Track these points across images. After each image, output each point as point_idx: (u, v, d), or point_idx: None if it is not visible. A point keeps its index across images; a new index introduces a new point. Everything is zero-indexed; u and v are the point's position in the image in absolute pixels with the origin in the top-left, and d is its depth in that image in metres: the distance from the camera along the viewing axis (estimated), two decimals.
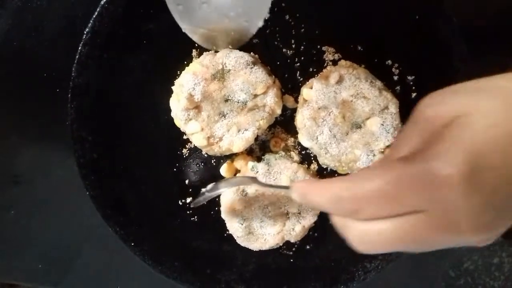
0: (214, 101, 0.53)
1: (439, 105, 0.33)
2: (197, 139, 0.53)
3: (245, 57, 0.52)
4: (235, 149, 0.54)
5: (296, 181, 0.42)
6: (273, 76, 0.54)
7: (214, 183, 0.56)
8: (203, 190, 0.56)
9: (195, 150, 0.58)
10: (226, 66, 0.52)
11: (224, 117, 0.53)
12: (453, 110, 0.32)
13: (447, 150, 0.30)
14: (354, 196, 0.32)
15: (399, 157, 0.33)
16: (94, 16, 0.52)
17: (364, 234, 0.33)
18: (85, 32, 0.52)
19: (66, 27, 0.59)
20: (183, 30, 0.52)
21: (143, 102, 0.56)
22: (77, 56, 0.53)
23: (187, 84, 0.52)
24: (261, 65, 0.53)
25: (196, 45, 0.55)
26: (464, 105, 0.31)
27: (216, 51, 0.54)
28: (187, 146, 0.58)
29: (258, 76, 0.52)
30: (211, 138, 0.53)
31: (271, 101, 0.53)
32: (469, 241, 0.31)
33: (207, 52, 0.54)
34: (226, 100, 0.53)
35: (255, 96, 0.53)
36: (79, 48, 0.53)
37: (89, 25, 0.52)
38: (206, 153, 0.57)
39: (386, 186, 0.31)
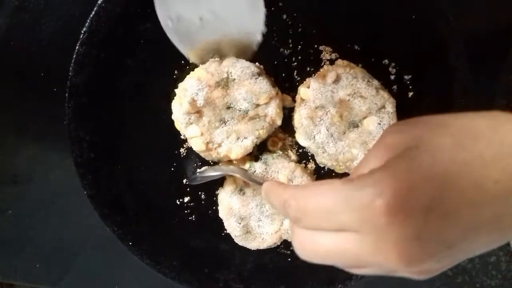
0: (216, 108, 0.53)
1: (399, 133, 0.35)
2: (196, 144, 0.54)
3: (251, 67, 0.53)
4: (233, 156, 0.54)
5: (267, 181, 0.44)
6: (277, 88, 0.55)
7: (206, 167, 0.57)
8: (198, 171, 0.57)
9: (193, 150, 0.58)
10: (231, 75, 0.53)
11: (225, 123, 0.54)
12: (407, 141, 0.34)
13: (382, 180, 0.31)
14: (298, 205, 0.35)
15: (348, 178, 0.35)
16: (91, 16, 0.52)
17: (304, 241, 0.36)
18: (82, 32, 0.52)
19: (64, 27, 0.59)
20: (186, 56, 0.54)
21: (141, 102, 0.56)
22: (74, 56, 0.53)
23: (190, 89, 0.52)
24: (265, 76, 0.54)
25: None
26: (417, 138, 0.33)
27: (222, 59, 0.54)
28: (184, 146, 0.58)
29: (262, 87, 0.53)
30: (210, 144, 0.54)
31: (273, 111, 0.54)
32: (402, 272, 0.32)
33: (213, 59, 0.54)
34: (228, 108, 0.54)
35: (257, 105, 0.54)
36: (77, 47, 0.53)
37: (86, 24, 0.52)
38: None
39: (326, 202, 0.33)
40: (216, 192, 0.58)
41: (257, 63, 0.54)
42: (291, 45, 0.56)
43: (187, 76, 0.54)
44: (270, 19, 0.54)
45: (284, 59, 0.56)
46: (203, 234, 0.59)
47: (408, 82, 0.55)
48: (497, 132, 0.33)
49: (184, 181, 0.58)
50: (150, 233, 0.58)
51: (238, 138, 0.54)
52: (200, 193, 0.59)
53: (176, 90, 0.54)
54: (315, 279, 0.58)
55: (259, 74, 0.53)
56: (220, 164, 0.56)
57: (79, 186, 0.56)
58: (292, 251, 0.59)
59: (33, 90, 0.62)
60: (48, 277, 0.70)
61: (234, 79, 0.53)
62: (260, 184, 0.51)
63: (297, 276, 0.59)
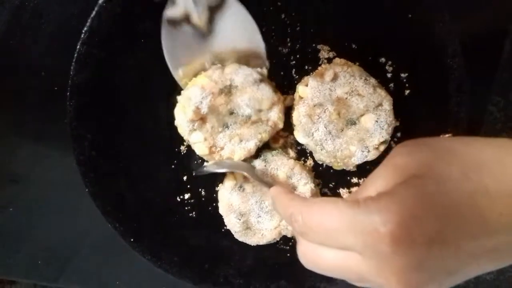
0: (219, 114, 0.54)
1: (408, 156, 0.35)
2: (200, 148, 0.54)
3: (253, 74, 0.53)
4: (236, 158, 0.55)
5: (276, 186, 0.45)
6: (279, 93, 0.55)
7: (214, 162, 0.56)
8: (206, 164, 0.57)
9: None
10: (234, 82, 0.53)
11: (228, 128, 0.54)
12: (415, 165, 0.34)
13: (389, 207, 0.31)
14: (303, 221, 0.35)
15: (353, 199, 0.35)
16: (92, 15, 0.52)
17: (308, 253, 0.37)
18: (83, 31, 0.53)
19: (64, 26, 0.59)
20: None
21: (141, 100, 0.57)
22: (75, 55, 0.53)
23: (194, 98, 0.52)
24: (268, 82, 0.54)
25: None
26: (425, 164, 0.34)
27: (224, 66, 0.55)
28: (184, 143, 0.58)
29: (264, 94, 0.53)
30: (213, 147, 0.55)
31: (275, 116, 0.54)
32: None
33: (215, 66, 0.54)
34: (231, 113, 0.54)
35: (260, 111, 0.54)
36: (77, 47, 0.53)
37: (87, 23, 0.52)
38: None
39: (331, 223, 0.33)
40: (216, 189, 0.59)
41: (259, 69, 0.55)
42: (289, 44, 0.56)
43: (190, 83, 0.55)
44: (269, 19, 0.55)
45: (282, 57, 0.56)
46: (204, 230, 0.60)
47: (404, 80, 0.56)
48: (503, 165, 0.33)
49: (185, 178, 0.59)
50: (151, 229, 0.59)
51: (241, 141, 0.55)
52: (200, 189, 0.59)
53: (178, 98, 0.55)
54: (315, 274, 0.59)
55: (261, 81, 0.54)
56: (226, 159, 0.56)
57: (78, 183, 0.57)
58: (292, 247, 0.60)
59: (34, 89, 0.62)
60: (48, 274, 0.70)
61: (237, 86, 0.53)
62: (268, 185, 0.52)
63: (297, 271, 0.59)
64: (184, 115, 0.53)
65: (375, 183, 0.36)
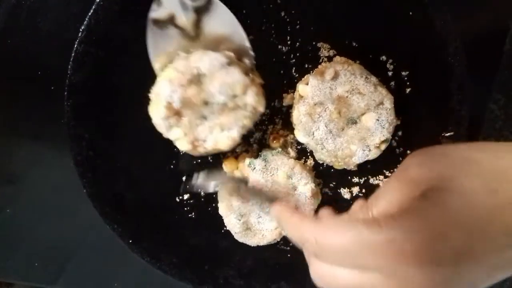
0: (194, 106, 0.51)
1: (422, 167, 0.34)
2: (182, 145, 0.53)
3: (219, 58, 0.51)
4: (222, 146, 0.53)
5: (276, 203, 0.43)
6: (250, 75, 0.53)
7: (205, 172, 0.55)
8: (193, 181, 0.55)
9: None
10: (201, 70, 0.51)
11: (206, 119, 0.52)
12: (435, 177, 0.32)
13: (412, 226, 0.30)
14: (317, 242, 0.34)
15: (368, 218, 0.34)
16: (89, 14, 0.52)
17: (322, 273, 0.35)
18: (80, 30, 0.52)
19: (61, 25, 0.59)
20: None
21: (139, 99, 0.56)
22: (73, 54, 0.53)
23: (164, 93, 0.50)
24: (237, 65, 0.52)
25: None
26: (443, 176, 0.32)
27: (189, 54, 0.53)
28: None
29: (235, 77, 0.51)
30: (195, 142, 0.53)
31: (251, 100, 0.52)
32: None
33: (180, 56, 0.52)
34: (206, 103, 0.52)
35: (234, 96, 0.52)
36: (75, 45, 0.53)
37: (85, 22, 0.52)
38: None
39: (348, 244, 0.32)
40: (216, 189, 0.59)
41: (226, 52, 0.52)
42: (289, 42, 0.56)
43: (157, 78, 0.52)
44: (268, 17, 0.55)
45: (282, 56, 0.56)
46: (203, 231, 0.59)
47: (405, 78, 0.56)
48: None
49: (183, 178, 0.58)
50: (150, 230, 0.58)
51: (222, 130, 0.52)
52: (199, 190, 0.59)
53: (149, 95, 0.53)
54: None
55: (229, 64, 0.51)
56: (218, 171, 0.55)
57: (76, 184, 0.56)
58: (292, 247, 0.60)
59: (31, 89, 0.61)
60: (46, 276, 0.70)
61: (205, 73, 0.51)
62: (266, 200, 0.50)
63: (297, 271, 0.59)
64: (157, 112, 0.51)
65: (388, 197, 0.35)
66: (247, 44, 0.53)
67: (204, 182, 0.54)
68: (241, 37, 0.53)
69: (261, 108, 0.53)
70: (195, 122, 0.52)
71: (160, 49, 0.53)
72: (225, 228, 0.59)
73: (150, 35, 0.52)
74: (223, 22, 0.52)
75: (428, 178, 0.33)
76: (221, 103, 0.52)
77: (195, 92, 0.51)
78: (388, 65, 0.56)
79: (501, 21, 0.59)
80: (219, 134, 0.52)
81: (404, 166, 0.36)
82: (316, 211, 0.57)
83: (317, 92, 0.53)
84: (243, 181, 0.54)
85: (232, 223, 0.57)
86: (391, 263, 0.30)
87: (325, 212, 0.47)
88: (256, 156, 0.57)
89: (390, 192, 0.35)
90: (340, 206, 0.58)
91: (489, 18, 0.59)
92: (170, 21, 0.52)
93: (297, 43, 0.56)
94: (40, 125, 0.63)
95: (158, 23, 0.52)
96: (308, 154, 0.58)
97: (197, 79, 0.51)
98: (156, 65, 0.53)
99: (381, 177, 0.58)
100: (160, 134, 0.57)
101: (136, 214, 0.58)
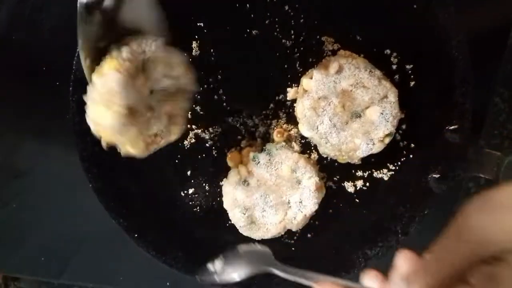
0: (142, 97, 0.45)
1: (491, 225, 0.29)
2: (134, 147, 0.47)
3: (160, 39, 0.46)
4: (173, 138, 0.49)
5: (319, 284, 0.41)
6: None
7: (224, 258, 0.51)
8: (212, 269, 0.52)
9: (197, 142, 0.58)
10: (146, 55, 0.45)
11: (153, 110, 0.47)
12: (507, 239, 0.28)
13: None
14: None
15: None
16: None
17: None
18: None
19: (66, 20, 0.59)
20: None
21: None
22: (77, 49, 0.53)
23: (118, 87, 0.43)
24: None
25: (197, 36, 0.55)
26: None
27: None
28: (188, 138, 0.58)
29: (179, 58, 0.47)
30: (147, 139, 0.47)
31: (185, 79, 0.47)
32: None
33: (116, 45, 0.45)
34: (151, 92, 0.46)
35: (177, 78, 0.47)
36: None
37: None
38: (208, 144, 0.58)
39: None
40: (220, 184, 0.59)
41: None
42: (293, 36, 0.56)
43: (96, 75, 0.44)
44: (272, 11, 0.54)
45: (286, 50, 0.56)
46: (208, 225, 0.60)
47: (409, 72, 0.56)
48: None
49: (188, 172, 0.59)
50: (155, 224, 0.59)
51: (170, 119, 0.48)
52: (204, 184, 0.59)
53: (87, 98, 0.45)
54: (319, 268, 0.58)
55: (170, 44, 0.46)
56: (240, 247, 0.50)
57: (81, 179, 0.56)
58: (296, 240, 0.60)
59: (36, 85, 0.62)
60: (51, 270, 0.70)
61: (149, 57, 0.45)
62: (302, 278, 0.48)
63: (301, 265, 0.59)
64: (112, 114, 0.43)
65: (452, 262, 0.30)
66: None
67: (223, 271, 0.51)
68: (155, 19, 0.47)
69: (193, 87, 0.48)
70: (145, 115, 0.46)
71: (86, 35, 0.46)
72: (229, 222, 0.59)
73: (78, 21, 0.46)
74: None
75: (495, 240, 0.29)
76: (163, 88, 0.47)
77: (143, 81, 0.45)
78: (392, 59, 0.56)
79: (505, 15, 0.59)
80: (168, 127, 0.48)
81: (465, 223, 0.30)
82: (320, 205, 0.57)
83: (321, 86, 0.53)
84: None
85: (236, 217, 0.57)
86: None
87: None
88: (261, 150, 0.57)
89: (453, 253, 0.31)
90: (344, 200, 0.58)
91: (493, 12, 0.59)
92: (97, 4, 0.45)
93: (301, 37, 0.56)
94: (46, 120, 0.64)
95: (87, 8, 0.45)
96: (312, 148, 0.59)
97: (142, 66, 0.45)
98: (86, 61, 0.46)
99: (385, 170, 0.58)
100: None
101: (141, 208, 0.58)
